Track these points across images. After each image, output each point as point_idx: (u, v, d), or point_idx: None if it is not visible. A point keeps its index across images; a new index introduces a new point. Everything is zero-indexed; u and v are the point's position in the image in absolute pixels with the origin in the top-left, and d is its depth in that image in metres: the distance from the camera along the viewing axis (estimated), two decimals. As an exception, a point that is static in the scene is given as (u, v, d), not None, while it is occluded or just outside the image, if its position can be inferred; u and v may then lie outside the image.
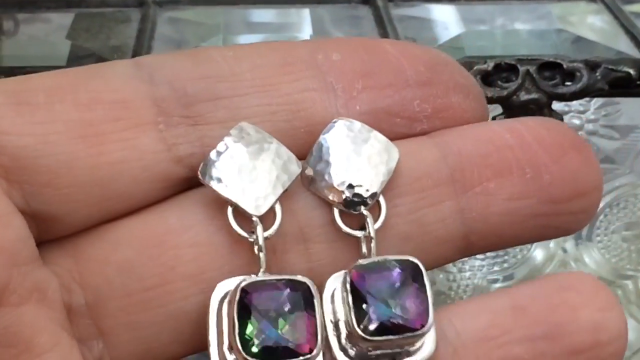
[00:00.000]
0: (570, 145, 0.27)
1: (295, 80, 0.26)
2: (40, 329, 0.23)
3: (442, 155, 0.26)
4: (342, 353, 0.25)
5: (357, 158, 0.26)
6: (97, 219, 0.25)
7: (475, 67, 0.33)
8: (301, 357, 0.23)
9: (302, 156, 0.26)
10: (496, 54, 0.36)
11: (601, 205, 0.43)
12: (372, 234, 0.25)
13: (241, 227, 0.25)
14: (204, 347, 0.25)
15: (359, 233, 0.25)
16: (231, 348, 0.24)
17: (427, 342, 0.25)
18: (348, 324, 0.24)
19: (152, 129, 0.25)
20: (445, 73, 0.27)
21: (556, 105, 0.35)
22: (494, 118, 0.34)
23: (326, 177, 0.25)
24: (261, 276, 0.24)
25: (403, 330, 0.24)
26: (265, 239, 0.25)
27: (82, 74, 0.25)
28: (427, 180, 0.26)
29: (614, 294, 0.26)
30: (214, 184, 0.25)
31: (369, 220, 0.25)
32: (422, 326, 0.24)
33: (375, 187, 0.26)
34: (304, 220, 0.26)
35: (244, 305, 0.23)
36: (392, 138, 0.26)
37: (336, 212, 0.25)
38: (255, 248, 0.25)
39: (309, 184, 0.26)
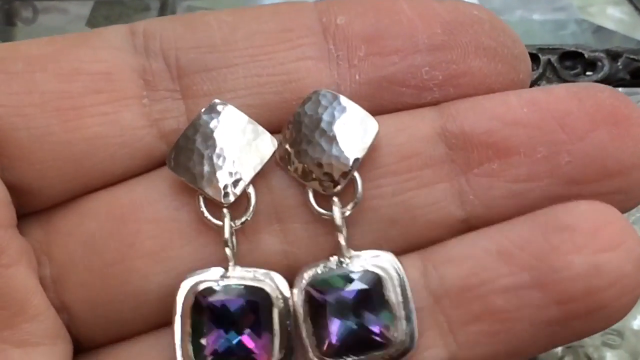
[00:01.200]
0: (605, 117, 0.24)
1: (292, 48, 0.24)
2: (32, 291, 0.23)
3: (440, 132, 0.24)
4: (318, 352, 0.23)
5: (330, 134, 0.24)
6: (73, 194, 0.24)
7: (496, 56, 0.33)
8: None
9: None
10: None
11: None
12: (339, 220, 0.24)
13: (213, 213, 0.24)
14: (165, 325, 0.24)
15: (329, 213, 0.24)
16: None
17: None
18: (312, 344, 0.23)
19: (135, 103, 0.24)
20: (466, 34, 0.24)
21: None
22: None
23: (298, 156, 0.24)
24: (229, 272, 0.23)
25: (368, 347, 0.23)
26: (241, 223, 0.24)
27: (71, 41, 0.24)
28: (417, 160, 0.24)
29: (624, 226, 0.23)
30: (181, 173, 0.24)
31: (336, 204, 0.24)
32: (389, 342, 0.23)
33: (347, 166, 0.24)
34: (278, 199, 0.24)
35: (200, 312, 0.23)
36: (398, 109, 0.24)
37: (310, 193, 0.24)
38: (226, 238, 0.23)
39: (281, 162, 0.24)
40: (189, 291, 0.23)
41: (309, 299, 0.23)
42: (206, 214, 0.23)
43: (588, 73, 0.34)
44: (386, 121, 0.24)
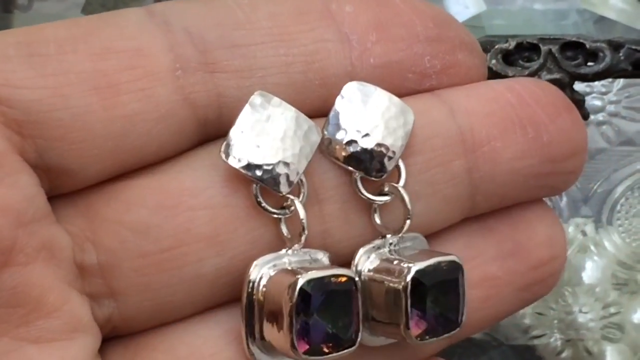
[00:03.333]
0: (562, 106, 0.27)
1: (311, 30, 0.25)
2: (49, 288, 0.23)
3: (450, 114, 0.26)
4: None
5: (374, 123, 0.25)
6: (111, 173, 0.24)
7: (496, 46, 0.33)
8: (345, 350, 0.24)
9: (315, 110, 0.25)
10: (517, 34, 0.35)
11: (622, 188, 0.43)
12: (407, 201, 0.25)
13: (265, 201, 0.25)
14: (213, 307, 0.25)
15: (384, 198, 0.26)
16: (280, 347, 0.24)
17: None
18: (398, 328, 0.25)
19: (168, 76, 0.24)
20: (451, 30, 0.27)
21: (578, 86, 0.35)
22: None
23: (345, 145, 0.25)
24: (297, 257, 0.25)
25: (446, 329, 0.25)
26: (290, 212, 0.25)
27: (95, 22, 0.24)
28: (437, 140, 0.26)
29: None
30: (238, 165, 0.24)
31: (401, 189, 0.25)
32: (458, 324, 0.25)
33: (393, 152, 0.25)
34: (318, 182, 0.25)
35: (302, 302, 0.23)
36: (402, 94, 0.26)
37: (358, 179, 0.25)
38: (283, 226, 0.25)
39: (326, 151, 0.25)
40: (261, 275, 0.24)
41: (415, 286, 0.24)
42: (263, 203, 0.24)
43: (589, 63, 0.34)
44: None
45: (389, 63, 0.26)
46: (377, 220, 0.26)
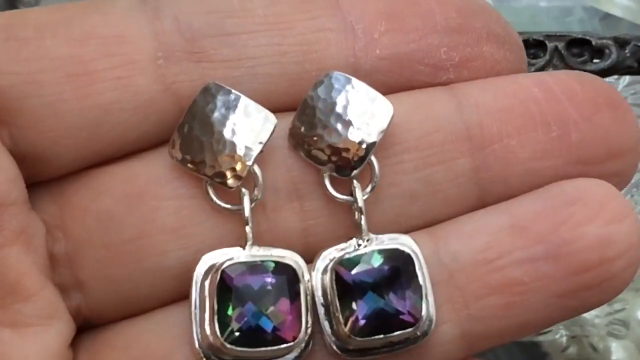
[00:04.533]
0: (605, 102, 0.25)
1: (312, 19, 0.24)
2: (26, 272, 0.23)
3: (457, 108, 0.25)
4: (334, 337, 0.24)
5: (345, 118, 0.24)
6: (86, 162, 0.24)
7: (502, 43, 0.33)
8: (283, 345, 0.23)
9: None
10: (522, 30, 0.35)
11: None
12: (360, 203, 0.24)
13: (222, 198, 0.24)
14: (178, 301, 0.24)
15: (352, 199, 0.24)
16: (211, 334, 0.23)
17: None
18: (336, 323, 0.23)
19: (149, 66, 0.24)
20: (479, 20, 0.25)
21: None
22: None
23: (311, 140, 0.24)
24: (247, 251, 0.23)
25: (394, 329, 0.23)
26: (253, 203, 0.24)
27: (81, 8, 0.24)
28: (437, 135, 0.24)
29: (625, 201, 0.25)
30: (185, 163, 0.24)
31: (357, 187, 0.24)
32: (416, 320, 0.23)
33: (364, 150, 0.24)
34: (298, 177, 0.24)
35: (226, 288, 0.23)
36: (414, 87, 0.25)
37: (326, 177, 0.24)
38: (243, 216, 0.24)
39: (296, 147, 0.24)
40: (209, 268, 0.23)
41: (338, 279, 0.23)
42: (215, 200, 0.24)
43: (595, 60, 0.34)
44: (403, 99, 0.24)
45: (397, 55, 0.25)
46: (363, 222, 0.24)
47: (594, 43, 0.34)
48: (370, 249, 0.23)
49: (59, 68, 0.23)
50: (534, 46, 0.34)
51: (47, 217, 0.24)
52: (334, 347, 0.24)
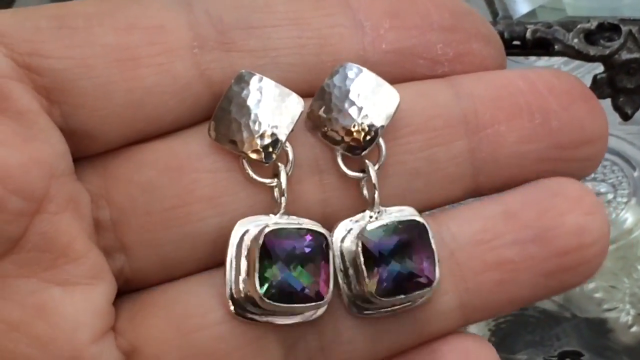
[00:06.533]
0: (578, 94, 0.28)
1: (326, 16, 0.27)
2: (75, 237, 0.25)
3: (455, 97, 0.27)
4: (353, 298, 0.27)
5: (358, 104, 0.27)
6: (129, 139, 0.26)
7: (578, 26, 0.34)
8: (313, 303, 0.25)
9: None
10: (597, 15, 0.36)
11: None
12: (374, 179, 0.27)
13: (260, 171, 0.26)
14: (217, 264, 0.26)
15: (362, 175, 0.27)
16: (248, 290, 0.25)
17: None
18: (362, 285, 0.26)
19: (186, 53, 0.26)
20: (468, 21, 0.28)
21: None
22: (594, 77, 0.34)
23: (327, 122, 0.27)
24: (282, 219, 0.26)
25: (413, 289, 0.26)
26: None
27: (122, 1, 0.26)
28: (439, 120, 0.27)
29: (595, 197, 0.28)
30: (224, 142, 0.26)
31: (369, 166, 0.27)
32: (431, 282, 0.26)
33: (373, 133, 0.27)
34: (318, 154, 0.27)
35: (266, 250, 0.25)
36: (414, 78, 0.28)
37: (339, 155, 0.27)
38: (276, 191, 0.26)
39: (312, 127, 0.27)
40: (244, 231, 0.26)
41: (364, 247, 0.26)
42: (252, 174, 0.26)
43: (669, 44, 0.34)
44: (408, 88, 0.27)
45: (400, 49, 0.27)
46: (365, 194, 0.27)
47: (668, 27, 0.34)
48: (390, 221, 0.26)
49: (108, 54, 0.25)
50: (609, 30, 0.34)
51: (92, 187, 0.26)
52: (352, 308, 0.27)
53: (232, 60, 0.26)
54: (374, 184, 0.27)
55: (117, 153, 0.27)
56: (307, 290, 0.25)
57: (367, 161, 0.27)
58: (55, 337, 0.24)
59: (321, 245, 0.25)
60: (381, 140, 0.27)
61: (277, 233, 0.25)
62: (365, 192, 0.27)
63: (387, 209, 0.27)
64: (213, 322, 0.26)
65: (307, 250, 0.25)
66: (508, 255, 0.27)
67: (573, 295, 0.41)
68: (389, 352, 0.28)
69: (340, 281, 0.27)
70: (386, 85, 0.27)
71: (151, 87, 0.26)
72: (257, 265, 0.25)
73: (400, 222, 0.26)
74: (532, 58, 0.42)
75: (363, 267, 0.26)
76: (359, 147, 0.27)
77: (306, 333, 0.27)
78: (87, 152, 0.26)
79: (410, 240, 0.26)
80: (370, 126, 0.27)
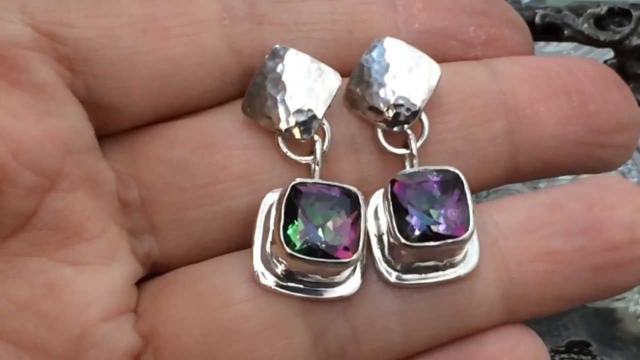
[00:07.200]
0: (612, 82, 0.27)
1: None
2: (89, 216, 0.25)
3: (492, 76, 0.27)
4: (386, 265, 0.26)
5: (398, 77, 0.26)
6: (156, 113, 0.26)
7: (588, 11, 0.33)
8: (341, 260, 0.24)
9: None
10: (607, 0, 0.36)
11: None
12: (415, 152, 0.26)
13: (293, 149, 0.26)
14: (248, 245, 0.26)
15: (403, 151, 0.26)
16: (273, 242, 0.24)
17: (471, 254, 0.26)
18: (390, 233, 0.25)
19: (215, 24, 0.25)
20: (498, 7, 0.28)
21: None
22: (604, 62, 0.34)
23: (367, 97, 0.26)
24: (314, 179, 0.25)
25: (444, 238, 0.25)
26: (321, 155, 0.26)
27: None
28: (478, 99, 0.27)
29: None
30: (259, 119, 0.25)
31: (412, 138, 0.26)
32: (463, 233, 0.25)
33: (416, 106, 0.26)
34: (355, 132, 0.26)
35: (293, 204, 0.24)
36: (447, 60, 0.27)
37: (379, 131, 0.26)
38: (312, 168, 0.26)
39: (350, 105, 0.26)
40: (274, 198, 0.25)
41: (392, 193, 0.25)
42: (287, 152, 0.26)
43: (680, 30, 0.34)
44: (444, 67, 0.27)
45: (434, 29, 0.27)
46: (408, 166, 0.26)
47: (679, 12, 0.34)
48: (423, 168, 0.25)
49: (135, 24, 0.25)
50: (619, 15, 0.34)
51: (120, 166, 0.26)
52: (385, 274, 0.25)
53: (263, 33, 0.26)
54: (414, 155, 0.26)
55: (145, 131, 0.26)
56: (334, 248, 0.24)
57: (410, 132, 0.26)
58: (63, 315, 0.24)
59: (352, 202, 0.24)
60: (424, 116, 0.26)
61: (305, 186, 0.24)
62: (407, 166, 0.26)
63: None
64: (237, 299, 0.25)
65: (337, 205, 0.24)
66: (555, 246, 0.26)
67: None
68: (426, 344, 0.26)
69: (374, 247, 0.26)
70: (426, 58, 0.26)
71: (179, 58, 0.25)
72: (282, 217, 0.24)
73: (435, 170, 0.25)
74: (541, 43, 0.41)
75: (391, 209, 0.25)
76: (402, 121, 0.26)
77: (336, 318, 0.25)
78: (114, 127, 0.26)
79: (444, 187, 0.25)
80: (413, 99, 0.26)
